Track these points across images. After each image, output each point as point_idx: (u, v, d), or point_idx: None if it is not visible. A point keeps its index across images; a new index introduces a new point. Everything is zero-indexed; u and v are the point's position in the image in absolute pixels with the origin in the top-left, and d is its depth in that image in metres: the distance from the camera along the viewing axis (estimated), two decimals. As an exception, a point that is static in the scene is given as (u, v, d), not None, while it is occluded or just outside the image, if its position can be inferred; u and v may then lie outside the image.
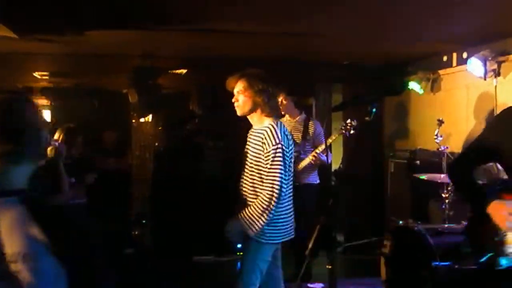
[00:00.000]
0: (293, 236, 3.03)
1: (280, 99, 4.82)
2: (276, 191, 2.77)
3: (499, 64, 4.69)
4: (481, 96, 5.09)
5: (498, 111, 4.65)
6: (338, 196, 4.64)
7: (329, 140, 4.55)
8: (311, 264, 4.67)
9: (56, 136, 4.29)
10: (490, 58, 4.67)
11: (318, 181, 4.88)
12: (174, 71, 6.12)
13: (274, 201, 2.77)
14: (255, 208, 2.81)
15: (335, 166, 6.60)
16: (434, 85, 5.86)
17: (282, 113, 4.85)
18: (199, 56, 5.71)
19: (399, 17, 4.06)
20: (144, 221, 5.80)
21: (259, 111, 2.97)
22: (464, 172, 2.39)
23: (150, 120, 6.56)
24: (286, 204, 2.94)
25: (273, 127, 2.88)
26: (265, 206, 2.78)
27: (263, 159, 2.87)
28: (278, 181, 2.78)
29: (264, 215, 2.77)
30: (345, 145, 6.80)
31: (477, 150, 2.41)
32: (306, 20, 4.17)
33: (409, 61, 6.17)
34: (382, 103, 6.43)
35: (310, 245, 2.00)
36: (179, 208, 5.66)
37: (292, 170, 3.00)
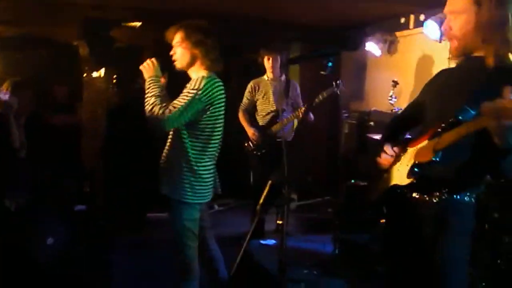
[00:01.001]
0: (210, 198, 2.98)
1: (271, 59, 4.81)
2: (165, 116, 2.65)
3: (454, 27, 4.74)
4: (435, 59, 5.17)
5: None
6: (293, 152, 4.69)
7: (318, 99, 4.56)
8: (263, 221, 4.74)
9: (3, 89, 4.05)
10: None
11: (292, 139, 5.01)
12: (127, 24, 5.88)
13: (158, 119, 2.67)
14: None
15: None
16: (391, 47, 5.90)
17: (274, 72, 4.83)
18: (155, 8, 5.50)
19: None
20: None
21: (197, 64, 2.83)
22: (390, 133, 2.39)
23: (102, 74, 6.32)
24: (208, 164, 2.87)
25: (202, 77, 2.74)
26: (152, 116, 2.69)
27: None
28: (173, 109, 2.66)
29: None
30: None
31: (407, 112, 2.42)
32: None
33: (367, 23, 6.17)
34: (339, 62, 6.43)
35: (260, 201, 1.98)
36: (131, 165, 5.56)
37: (221, 129, 2.93)
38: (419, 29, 5.23)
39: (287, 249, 2.48)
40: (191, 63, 2.84)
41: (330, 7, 5.31)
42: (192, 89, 2.71)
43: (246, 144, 4.97)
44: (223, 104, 2.88)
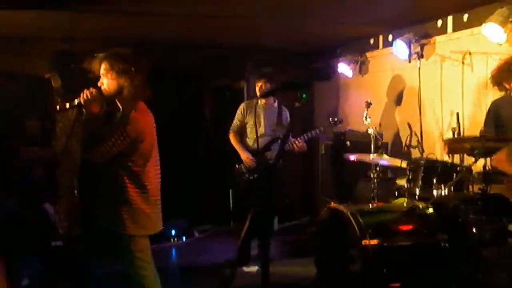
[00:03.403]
0: (162, 228, 2.99)
1: (260, 84, 4.83)
2: (98, 151, 2.72)
3: (422, 46, 4.87)
4: (405, 78, 5.28)
5: (422, 92, 4.85)
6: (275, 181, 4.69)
7: (315, 133, 4.71)
8: (248, 246, 4.68)
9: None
10: (413, 41, 4.83)
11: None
12: (99, 54, 5.86)
13: (91, 154, 2.75)
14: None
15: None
16: (362, 68, 6.02)
17: (262, 97, 4.83)
18: (125, 37, 5.50)
19: (326, 1, 4.10)
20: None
21: (125, 92, 2.85)
22: None
23: (74, 104, 6.25)
24: (152, 192, 2.90)
25: (129, 112, 2.79)
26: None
27: None
28: (105, 145, 2.72)
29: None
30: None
31: None
32: (232, 2, 4.11)
33: (338, 44, 6.28)
34: (311, 87, 6.51)
35: (242, 234, 1.97)
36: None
37: (157, 160, 2.95)
38: (388, 49, 5.36)
39: (270, 276, 2.45)
40: (118, 92, 2.85)
41: (299, 30, 5.40)
42: (119, 124, 2.76)
43: (237, 166, 4.93)
44: (153, 136, 2.91)
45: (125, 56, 2.88)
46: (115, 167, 2.81)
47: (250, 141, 4.91)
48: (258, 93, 4.87)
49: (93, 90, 2.80)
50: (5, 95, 6.41)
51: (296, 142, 4.66)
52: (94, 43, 5.56)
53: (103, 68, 2.85)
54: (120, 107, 2.93)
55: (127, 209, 2.81)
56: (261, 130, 4.82)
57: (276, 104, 4.90)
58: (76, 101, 2.82)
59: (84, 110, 2.79)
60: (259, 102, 4.89)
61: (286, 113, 4.94)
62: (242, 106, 5.00)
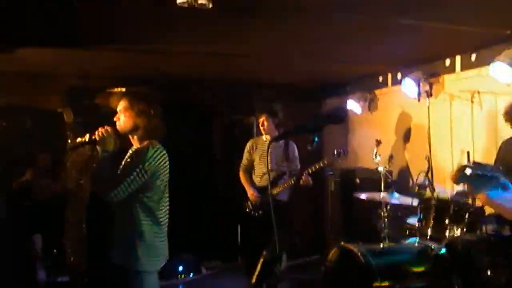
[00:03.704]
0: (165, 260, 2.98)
1: (261, 120, 4.87)
2: (114, 191, 2.72)
3: (431, 85, 4.90)
4: (414, 116, 5.30)
5: (431, 130, 4.85)
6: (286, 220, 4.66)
7: (319, 165, 4.64)
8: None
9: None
10: (422, 79, 4.87)
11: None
12: (112, 90, 5.96)
13: (107, 193, 2.73)
14: None
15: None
16: (371, 105, 6.05)
17: (265, 133, 4.89)
18: (138, 75, 5.60)
19: (336, 40, 4.16)
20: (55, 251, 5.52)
21: (140, 131, 2.89)
22: None
23: (87, 140, 6.31)
24: (158, 231, 2.90)
25: (147, 149, 2.82)
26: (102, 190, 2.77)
27: None
28: (124, 182, 2.73)
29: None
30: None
31: None
32: (243, 40, 4.19)
33: (347, 82, 6.34)
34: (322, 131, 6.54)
35: (253, 281, 1.96)
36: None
37: (167, 196, 2.96)
38: (397, 87, 5.40)
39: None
40: (133, 130, 2.90)
41: (309, 68, 5.47)
42: (138, 161, 2.78)
43: (246, 204, 4.94)
44: (167, 172, 2.93)
45: (146, 96, 2.94)
46: (131, 202, 2.82)
47: (257, 178, 4.92)
48: (260, 128, 4.91)
49: (108, 128, 2.83)
50: (19, 129, 6.51)
51: (304, 175, 4.64)
52: (107, 80, 5.68)
53: (121, 105, 2.89)
54: (133, 144, 2.97)
55: (142, 244, 2.81)
56: (268, 166, 4.83)
57: (283, 140, 4.91)
58: (87, 137, 2.86)
59: (98, 147, 2.82)
60: (265, 138, 4.91)
61: (294, 147, 4.94)
62: (249, 144, 5.04)
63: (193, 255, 5.97)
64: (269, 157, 4.82)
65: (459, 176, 2.06)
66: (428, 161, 4.23)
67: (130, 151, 3.02)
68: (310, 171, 4.66)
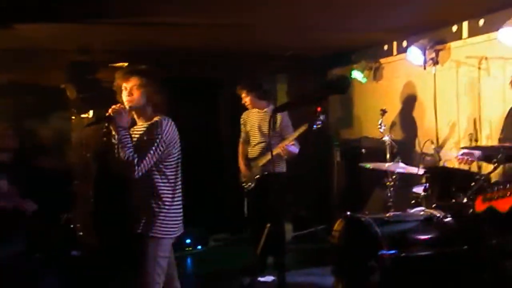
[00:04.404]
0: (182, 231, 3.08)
1: (242, 96, 4.86)
2: (140, 166, 2.80)
3: (437, 52, 4.82)
4: (420, 84, 5.23)
5: (437, 98, 4.80)
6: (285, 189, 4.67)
7: (296, 133, 4.53)
8: (264, 258, 4.64)
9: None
10: (428, 47, 4.78)
11: (285, 170, 4.84)
12: (114, 65, 5.91)
13: (131, 169, 2.79)
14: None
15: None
16: (376, 74, 5.97)
17: (250, 107, 4.89)
18: (140, 49, 5.55)
19: (341, 8, 4.08)
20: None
21: (150, 108, 2.97)
22: None
23: (91, 116, 6.30)
24: (177, 199, 3.01)
25: (160, 121, 2.91)
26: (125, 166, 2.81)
27: None
28: (145, 158, 2.81)
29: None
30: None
31: None
32: (248, 11, 4.12)
33: (352, 51, 6.25)
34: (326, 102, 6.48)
35: (258, 251, 1.96)
36: (123, 207, 5.49)
37: (180, 169, 3.04)
38: (402, 55, 5.32)
39: (286, 287, 2.43)
40: (144, 106, 2.96)
41: (314, 37, 5.38)
42: (156, 134, 2.86)
43: (239, 176, 4.99)
44: (179, 141, 3.03)
45: (155, 73, 3.02)
46: (150, 172, 2.90)
47: (251, 150, 4.94)
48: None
49: (121, 105, 2.90)
50: (23, 107, 6.51)
51: (280, 147, 4.56)
52: (109, 54, 5.63)
53: (134, 82, 2.93)
54: (138, 121, 3.02)
55: (159, 211, 2.91)
56: (258, 137, 4.83)
57: (269, 110, 4.84)
58: (103, 115, 2.89)
59: (113, 124, 2.84)
60: (255, 110, 4.91)
61: (282, 117, 4.78)
62: (242, 116, 5.07)
63: (200, 227, 6.02)
64: (257, 129, 4.84)
65: None
66: (435, 130, 4.19)
67: (140, 127, 3.03)
68: (288, 142, 4.56)
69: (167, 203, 2.93)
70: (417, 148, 5.08)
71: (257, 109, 4.89)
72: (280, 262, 4.60)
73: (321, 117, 4.24)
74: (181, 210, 3.04)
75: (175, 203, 2.99)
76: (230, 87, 6.74)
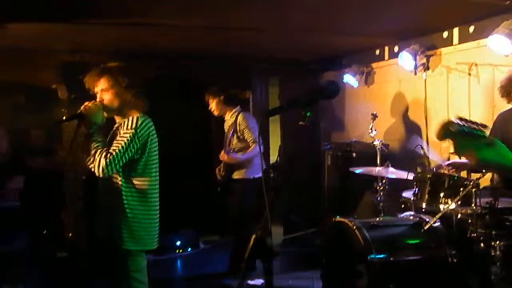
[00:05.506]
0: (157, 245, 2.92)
1: (209, 102, 4.96)
2: (107, 160, 2.65)
3: (428, 58, 4.86)
4: (411, 89, 5.26)
5: (428, 103, 4.83)
6: (279, 194, 4.66)
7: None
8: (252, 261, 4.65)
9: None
10: (419, 52, 4.82)
11: (257, 175, 4.83)
12: (106, 66, 5.89)
13: (100, 166, 2.66)
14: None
15: (273, 159, 6.64)
16: (368, 78, 6.00)
17: (216, 113, 4.98)
18: (132, 49, 5.53)
19: (333, 12, 4.10)
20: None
21: (126, 106, 2.84)
22: None
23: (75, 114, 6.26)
24: (148, 208, 2.85)
25: (137, 117, 2.77)
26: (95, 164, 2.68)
27: None
28: (113, 154, 2.67)
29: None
30: (283, 138, 6.85)
31: None
32: (239, 14, 4.12)
33: (344, 55, 6.28)
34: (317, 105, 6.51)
35: (245, 256, 1.96)
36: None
37: (157, 173, 2.89)
38: (394, 60, 5.35)
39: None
40: (120, 108, 2.85)
41: (305, 41, 5.40)
42: (128, 129, 2.73)
43: None
44: (156, 144, 2.88)
45: (125, 69, 2.90)
46: (116, 180, 2.79)
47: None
48: None
49: (95, 102, 2.80)
50: (13, 107, 6.47)
51: (222, 155, 4.81)
52: (101, 55, 5.60)
53: (102, 84, 2.83)
54: (117, 121, 2.93)
55: (126, 221, 2.77)
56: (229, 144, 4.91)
57: (235, 115, 4.87)
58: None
59: (86, 121, 2.76)
60: (226, 117, 5.01)
61: (243, 119, 4.81)
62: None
63: (191, 230, 6.01)
64: (228, 135, 4.89)
65: (443, 132, 1.90)
66: (426, 134, 4.23)
67: (117, 125, 2.94)
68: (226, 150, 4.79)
69: (134, 213, 2.78)
70: (407, 153, 5.11)
71: (227, 115, 4.98)
72: (266, 267, 4.60)
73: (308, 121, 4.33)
74: (157, 223, 2.88)
75: (144, 213, 2.82)
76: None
